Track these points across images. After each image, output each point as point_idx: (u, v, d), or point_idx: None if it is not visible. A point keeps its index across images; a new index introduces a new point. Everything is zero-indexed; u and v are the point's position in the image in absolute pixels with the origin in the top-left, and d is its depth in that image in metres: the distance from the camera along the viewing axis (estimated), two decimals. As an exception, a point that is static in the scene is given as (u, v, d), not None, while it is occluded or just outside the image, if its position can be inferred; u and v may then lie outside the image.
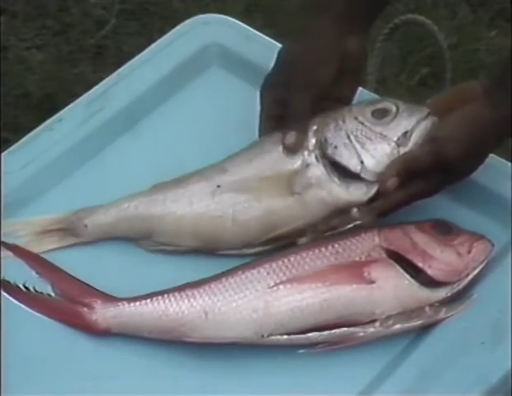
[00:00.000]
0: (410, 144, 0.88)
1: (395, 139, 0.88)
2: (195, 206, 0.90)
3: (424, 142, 0.87)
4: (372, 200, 0.87)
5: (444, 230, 0.86)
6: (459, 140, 0.85)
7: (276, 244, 0.89)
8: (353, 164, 0.88)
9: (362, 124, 0.89)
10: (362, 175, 0.87)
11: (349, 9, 0.91)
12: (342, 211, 0.88)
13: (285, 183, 0.89)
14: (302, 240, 0.88)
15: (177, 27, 1.12)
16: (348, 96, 0.95)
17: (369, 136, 0.89)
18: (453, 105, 0.87)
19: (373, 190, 0.87)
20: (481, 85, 0.88)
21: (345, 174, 0.88)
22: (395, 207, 0.88)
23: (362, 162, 0.87)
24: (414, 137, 0.88)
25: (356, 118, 0.90)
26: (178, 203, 0.91)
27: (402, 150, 0.87)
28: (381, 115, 0.89)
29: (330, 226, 0.88)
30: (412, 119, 0.89)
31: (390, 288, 0.83)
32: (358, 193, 0.87)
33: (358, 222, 0.87)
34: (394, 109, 0.90)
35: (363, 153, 0.88)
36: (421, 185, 0.87)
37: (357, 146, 0.88)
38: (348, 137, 0.89)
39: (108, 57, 1.87)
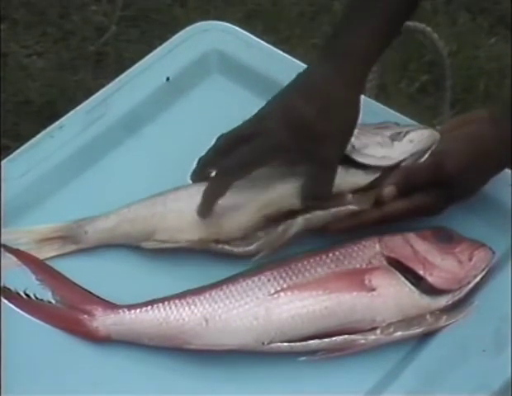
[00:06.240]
0: (405, 140, 0.90)
1: (388, 134, 0.91)
2: (196, 199, 0.90)
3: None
4: (367, 188, 0.89)
5: (445, 238, 0.86)
6: (459, 153, 0.86)
7: (272, 227, 0.88)
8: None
9: (359, 129, 0.91)
10: (354, 156, 0.89)
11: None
12: (337, 194, 0.89)
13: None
14: (297, 221, 0.88)
15: (178, 34, 1.12)
16: None
17: (364, 134, 0.92)
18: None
19: (371, 177, 0.89)
20: (488, 110, 0.88)
21: (342, 162, 0.89)
22: (394, 216, 0.88)
23: (353, 147, 0.90)
24: (410, 137, 0.91)
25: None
26: (179, 201, 0.92)
27: (396, 144, 0.90)
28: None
29: (323, 208, 0.89)
30: (410, 127, 0.93)
31: (390, 295, 0.83)
32: (355, 178, 0.89)
33: (352, 207, 0.88)
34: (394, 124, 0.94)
35: (356, 142, 0.90)
36: (422, 199, 0.87)
37: (352, 138, 0.91)
38: None
39: (109, 64, 1.87)
